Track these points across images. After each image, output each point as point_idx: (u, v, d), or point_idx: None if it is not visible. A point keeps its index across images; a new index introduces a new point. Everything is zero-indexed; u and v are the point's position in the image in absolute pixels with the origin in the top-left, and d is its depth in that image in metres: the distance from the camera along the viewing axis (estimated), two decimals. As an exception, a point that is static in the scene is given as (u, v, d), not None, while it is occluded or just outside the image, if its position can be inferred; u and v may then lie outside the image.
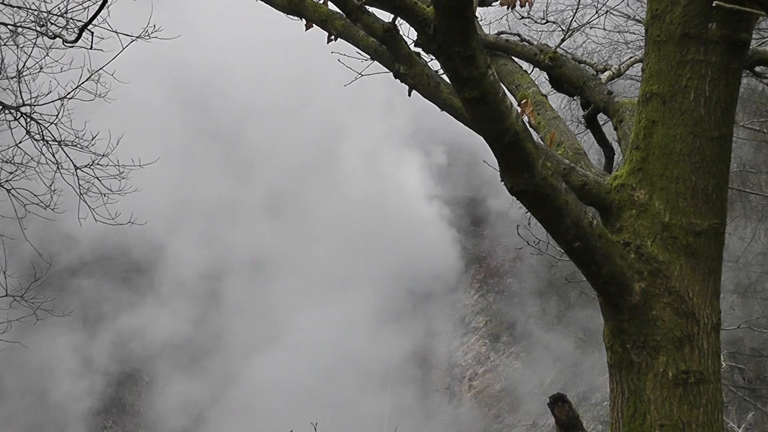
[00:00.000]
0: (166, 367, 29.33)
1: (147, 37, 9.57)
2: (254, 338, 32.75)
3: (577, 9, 7.63)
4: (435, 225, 55.88)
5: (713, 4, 4.08)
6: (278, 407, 30.43)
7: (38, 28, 9.37)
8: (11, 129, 9.89)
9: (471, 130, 5.08)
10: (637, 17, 11.88)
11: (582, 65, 5.91)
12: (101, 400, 26.00)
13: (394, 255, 52.00)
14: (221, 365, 31.51)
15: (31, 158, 10.49)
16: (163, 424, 27.96)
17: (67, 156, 9.95)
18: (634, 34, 13.79)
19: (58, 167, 9.95)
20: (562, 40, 5.89)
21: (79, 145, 10.10)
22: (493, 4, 6.35)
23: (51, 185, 10.43)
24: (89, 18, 4.98)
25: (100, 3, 4.88)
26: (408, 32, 5.54)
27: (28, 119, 9.51)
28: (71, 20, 10.06)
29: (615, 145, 5.61)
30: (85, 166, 10.13)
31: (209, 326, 32.21)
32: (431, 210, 55.58)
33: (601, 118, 5.79)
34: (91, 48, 5.87)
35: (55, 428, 24.70)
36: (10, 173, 10.66)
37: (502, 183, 4.13)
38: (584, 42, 21.75)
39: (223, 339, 32.52)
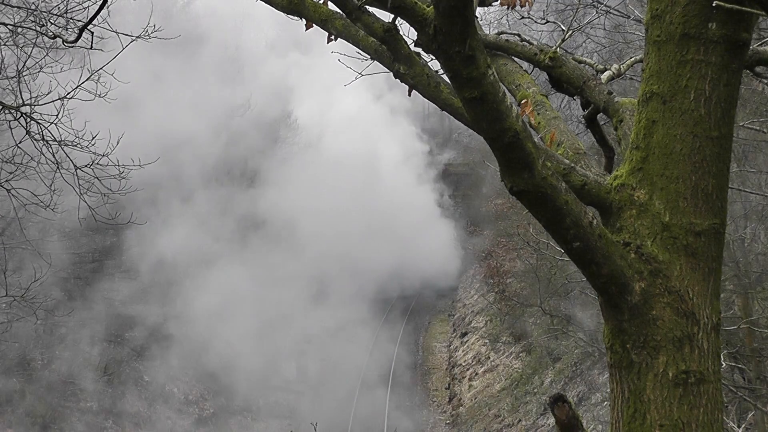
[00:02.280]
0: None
1: (147, 37, 9.56)
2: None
3: (578, 9, 7.63)
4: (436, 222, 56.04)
5: (713, 4, 4.08)
6: None
7: (38, 28, 9.38)
8: (11, 129, 9.89)
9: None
10: (636, 17, 11.88)
11: (582, 65, 5.91)
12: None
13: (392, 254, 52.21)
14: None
15: (31, 158, 10.49)
16: (164, 424, 27.97)
17: (67, 156, 9.94)
18: (635, 34, 13.79)
19: (58, 167, 9.95)
20: (562, 40, 5.88)
21: (79, 145, 10.10)
22: (493, 4, 6.35)
23: (51, 185, 10.43)
24: (89, 18, 4.97)
25: (100, 3, 4.88)
26: (408, 32, 5.55)
27: (28, 119, 9.50)
28: (71, 20, 10.06)
29: (615, 145, 5.60)
30: (85, 166, 10.12)
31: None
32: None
33: (601, 118, 5.79)
34: (91, 48, 5.86)
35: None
36: (10, 173, 10.66)
37: (502, 182, 4.13)
38: (584, 42, 21.76)
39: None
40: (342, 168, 50.10)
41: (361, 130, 52.90)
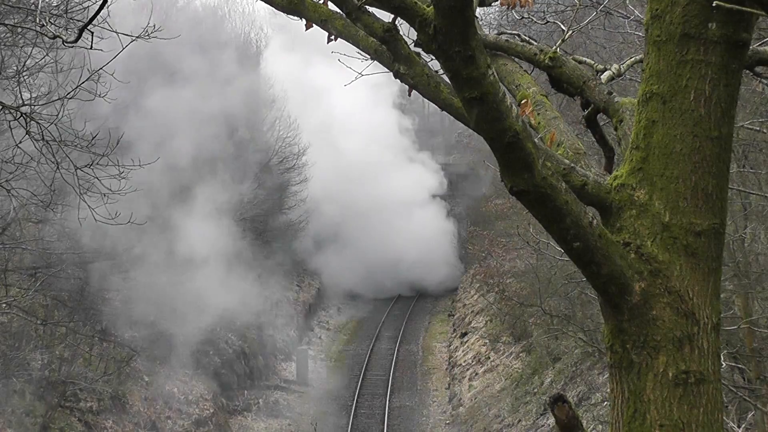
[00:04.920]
0: None
1: (147, 37, 9.55)
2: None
3: (577, 9, 7.63)
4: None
5: (713, 4, 4.07)
6: None
7: (38, 28, 9.38)
8: (11, 129, 9.89)
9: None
10: (637, 18, 11.88)
11: (582, 65, 5.90)
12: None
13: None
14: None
15: (31, 158, 10.49)
16: (163, 424, 27.96)
17: (67, 156, 9.94)
18: (635, 34, 13.78)
19: (57, 167, 9.95)
20: (562, 40, 5.87)
21: (79, 145, 10.10)
22: (493, 4, 6.35)
23: (51, 185, 10.44)
24: (89, 18, 4.97)
25: (100, 3, 4.88)
26: (408, 32, 5.54)
27: (28, 119, 9.50)
28: (71, 20, 10.07)
29: (615, 145, 5.60)
30: (85, 166, 10.12)
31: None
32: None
33: (601, 118, 5.79)
34: (91, 48, 5.87)
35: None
36: (10, 173, 10.67)
37: (502, 182, 4.14)
38: (585, 42, 21.74)
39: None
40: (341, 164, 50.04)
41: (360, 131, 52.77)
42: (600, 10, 9.15)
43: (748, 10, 4.04)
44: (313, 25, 5.97)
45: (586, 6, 12.87)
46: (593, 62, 6.08)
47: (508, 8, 5.52)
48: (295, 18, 6.03)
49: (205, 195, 34.79)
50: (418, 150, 60.20)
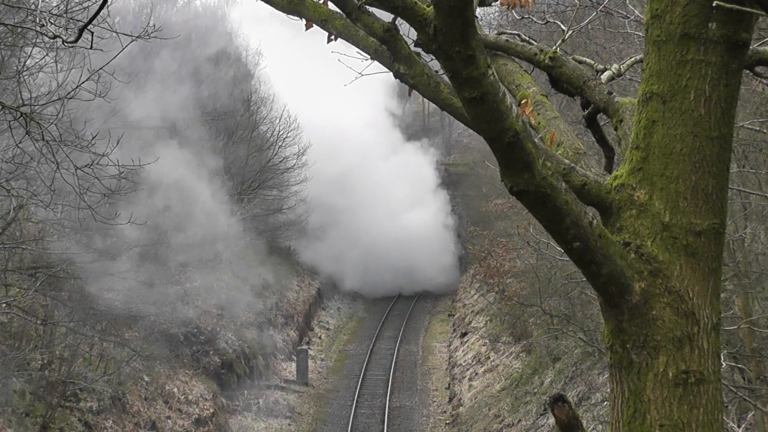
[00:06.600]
0: None
1: (147, 37, 9.56)
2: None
3: (578, 9, 7.64)
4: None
5: (713, 4, 4.07)
6: None
7: (38, 28, 9.38)
8: (11, 129, 9.89)
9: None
10: (637, 18, 11.87)
11: (582, 65, 5.90)
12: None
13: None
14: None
15: (31, 158, 10.49)
16: (163, 424, 27.96)
17: (67, 156, 9.94)
18: (635, 34, 13.77)
19: (57, 167, 9.95)
20: (562, 40, 5.87)
21: (79, 145, 10.10)
22: (493, 4, 6.35)
23: (51, 185, 10.44)
24: (89, 18, 4.97)
25: (100, 3, 4.88)
26: (408, 32, 5.54)
27: (28, 119, 9.50)
28: (71, 20, 10.07)
29: (615, 145, 5.60)
30: (85, 166, 10.12)
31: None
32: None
33: (601, 118, 5.78)
34: (91, 48, 5.87)
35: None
36: (11, 173, 10.67)
37: (502, 182, 4.14)
38: (585, 42, 21.74)
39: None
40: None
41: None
42: (600, 10, 9.14)
43: (748, 10, 4.04)
44: (313, 25, 5.97)
45: (586, 6, 12.87)
46: (593, 62, 6.07)
47: (508, 8, 5.51)
48: (295, 18, 6.03)
49: (205, 188, 34.80)
50: (408, 139, 60.11)
